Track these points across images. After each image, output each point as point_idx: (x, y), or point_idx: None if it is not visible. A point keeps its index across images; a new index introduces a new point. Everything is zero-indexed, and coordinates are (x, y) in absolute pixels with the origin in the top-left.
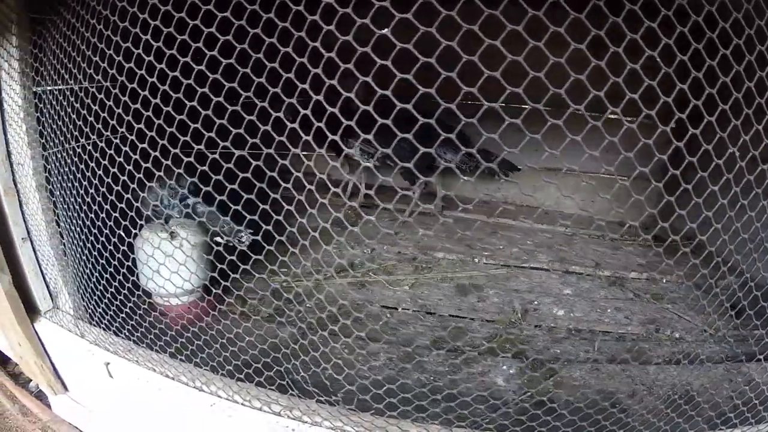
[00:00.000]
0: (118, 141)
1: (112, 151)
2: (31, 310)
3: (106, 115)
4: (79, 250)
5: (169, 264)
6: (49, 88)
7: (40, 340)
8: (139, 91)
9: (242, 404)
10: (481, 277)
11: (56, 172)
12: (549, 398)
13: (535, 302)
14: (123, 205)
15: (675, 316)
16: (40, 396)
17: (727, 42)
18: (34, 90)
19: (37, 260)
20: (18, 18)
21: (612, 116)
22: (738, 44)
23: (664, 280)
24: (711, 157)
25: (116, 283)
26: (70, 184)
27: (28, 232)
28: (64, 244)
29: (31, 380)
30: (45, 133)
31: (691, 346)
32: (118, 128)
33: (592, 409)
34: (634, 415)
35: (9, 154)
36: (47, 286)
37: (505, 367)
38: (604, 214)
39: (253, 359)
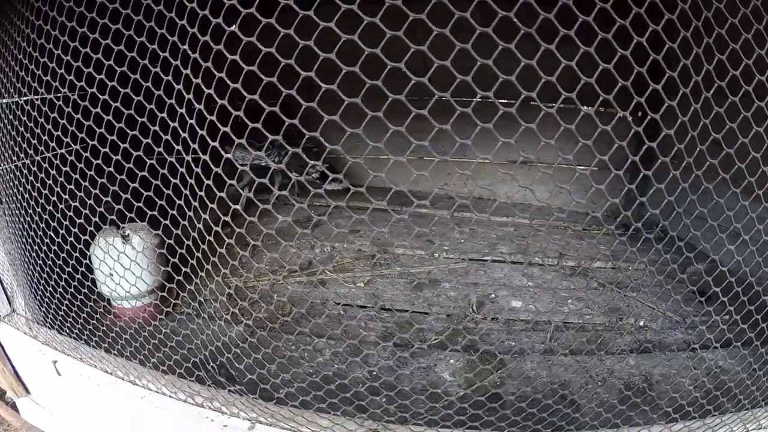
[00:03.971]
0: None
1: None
2: None
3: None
4: (33, 254)
5: (121, 267)
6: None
7: (0, 344)
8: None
9: (169, 396)
10: (439, 272)
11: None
12: (495, 392)
13: (492, 295)
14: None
15: (639, 305)
16: (15, 407)
17: (686, 24)
18: None
19: None
20: None
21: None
22: (696, 26)
23: (630, 269)
24: (672, 142)
25: (70, 287)
26: (20, 190)
27: None
28: (19, 249)
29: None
30: None
31: (656, 334)
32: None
33: (538, 402)
34: (584, 408)
35: None
36: (5, 291)
37: (452, 361)
38: (568, 205)
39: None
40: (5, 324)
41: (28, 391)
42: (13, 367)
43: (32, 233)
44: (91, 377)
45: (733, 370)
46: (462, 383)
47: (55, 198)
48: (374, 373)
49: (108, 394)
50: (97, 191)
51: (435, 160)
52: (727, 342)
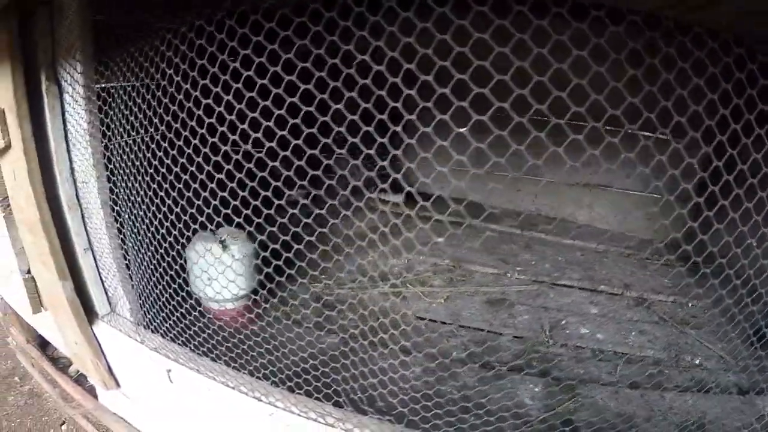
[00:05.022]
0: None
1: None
2: (89, 313)
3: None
4: (140, 260)
5: (219, 272)
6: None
7: (97, 341)
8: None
9: (298, 414)
10: (512, 293)
11: (122, 188)
12: (569, 418)
13: (564, 321)
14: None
15: (697, 343)
16: (79, 381)
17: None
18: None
19: (98, 269)
20: (82, 44)
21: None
22: None
23: (690, 305)
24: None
25: (171, 291)
26: (134, 199)
27: (90, 244)
28: (126, 256)
29: (71, 365)
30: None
31: (710, 374)
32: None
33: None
34: None
35: (73, 171)
36: (106, 293)
37: (531, 385)
38: (635, 232)
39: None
40: (104, 323)
41: (118, 385)
42: (107, 362)
43: (140, 237)
44: (211, 390)
45: None
46: (540, 407)
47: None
48: (462, 392)
49: (225, 405)
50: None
51: (507, 176)
52: None
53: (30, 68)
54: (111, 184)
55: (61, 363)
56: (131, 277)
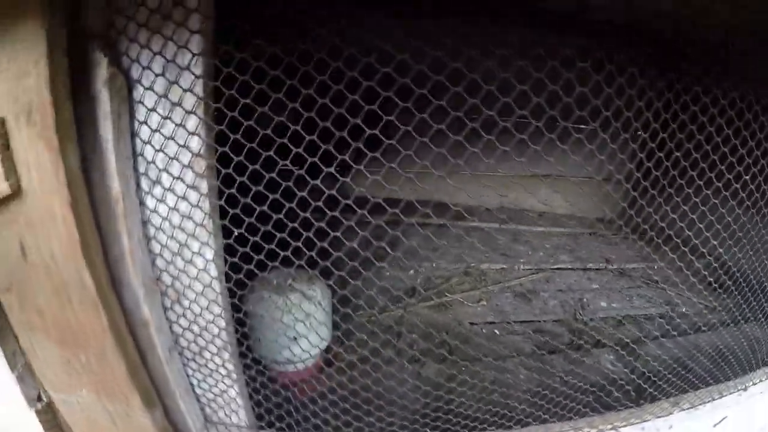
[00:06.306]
0: None
1: None
2: None
3: None
4: None
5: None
6: None
7: None
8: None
9: None
10: (526, 282)
11: None
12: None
13: (584, 299)
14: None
15: (679, 296)
16: None
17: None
18: None
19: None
20: None
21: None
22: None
23: (656, 267)
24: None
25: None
26: None
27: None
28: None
29: None
30: None
31: (701, 318)
32: None
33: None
34: None
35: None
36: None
37: (606, 355)
38: (590, 213)
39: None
40: None
41: None
42: None
43: None
44: None
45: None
46: (622, 370)
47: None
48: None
49: None
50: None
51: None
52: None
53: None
54: None
55: None
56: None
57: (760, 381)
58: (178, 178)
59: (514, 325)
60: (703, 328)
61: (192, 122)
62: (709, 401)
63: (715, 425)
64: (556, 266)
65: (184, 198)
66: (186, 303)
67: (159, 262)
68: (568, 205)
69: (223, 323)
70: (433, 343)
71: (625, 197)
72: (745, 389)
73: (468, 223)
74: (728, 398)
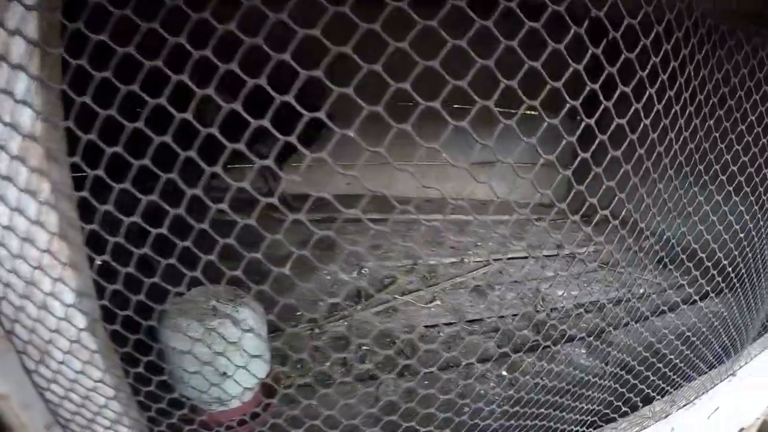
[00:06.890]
0: None
1: None
2: None
3: None
4: None
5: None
6: None
7: None
8: None
9: None
10: (479, 276)
11: None
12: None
13: (544, 289)
14: None
15: (634, 276)
16: None
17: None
18: None
19: None
20: None
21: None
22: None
23: (605, 249)
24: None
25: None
26: None
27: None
28: None
29: None
30: None
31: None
32: None
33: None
34: None
35: None
36: None
37: (577, 349)
38: (532, 198)
39: None
40: None
41: None
42: None
43: None
44: None
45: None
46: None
47: None
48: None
49: None
50: None
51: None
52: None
53: None
54: None
55: None
56: None
57: (746, 363)
58: (5, 178)
59: (474, 325)
60: (666, 310)
61: (21, 84)
62: (703, 393)
63: (708, 417)
64: (508, 256)
65: (17, 210)
66: (53, 364)
67: (5, 308)
68: (512, 193)
69: (109, 391)
70: (388, 355)
71: (566, 180)
72: (734, 374)
73: (409, 216)
74: (720, 386)
